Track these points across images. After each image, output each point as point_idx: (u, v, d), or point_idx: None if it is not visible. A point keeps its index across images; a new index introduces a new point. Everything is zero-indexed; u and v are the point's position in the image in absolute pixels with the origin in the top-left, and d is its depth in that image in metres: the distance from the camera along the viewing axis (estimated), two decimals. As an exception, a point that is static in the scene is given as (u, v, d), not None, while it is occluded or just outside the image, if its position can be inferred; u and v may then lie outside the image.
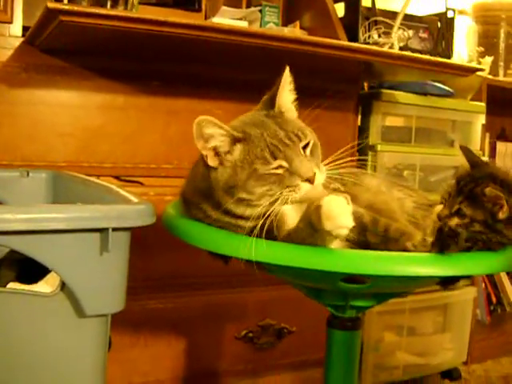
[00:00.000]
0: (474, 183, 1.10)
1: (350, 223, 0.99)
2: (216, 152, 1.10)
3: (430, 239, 1.10)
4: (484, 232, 1.06)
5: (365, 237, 1.11)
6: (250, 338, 2.11)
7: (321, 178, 1.10)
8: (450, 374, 2.62)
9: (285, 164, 1.07)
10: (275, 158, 1.07)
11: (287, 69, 1.15)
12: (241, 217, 1.11)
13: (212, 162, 1.11)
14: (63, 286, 1.08)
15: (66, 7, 1.39)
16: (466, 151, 1.20)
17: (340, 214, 0.98)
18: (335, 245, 1.06)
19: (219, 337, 2.08)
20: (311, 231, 1.02)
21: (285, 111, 1.16)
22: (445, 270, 1.05)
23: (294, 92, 1.18)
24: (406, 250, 1.10)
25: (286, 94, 1.17)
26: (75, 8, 1.39)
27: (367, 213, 1.13)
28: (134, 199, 1.17)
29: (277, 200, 1.06)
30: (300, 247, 1.03)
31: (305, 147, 1.11)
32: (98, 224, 1.05)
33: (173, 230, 1.20)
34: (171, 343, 2.00)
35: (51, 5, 1.37)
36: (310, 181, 1.07)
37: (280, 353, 2.18)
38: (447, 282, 1.22)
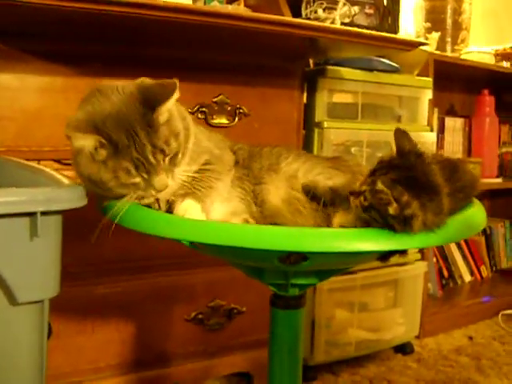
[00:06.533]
0: (380, 172, 1.06)
1: None
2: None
3: None
4: (379, 222, 1.04)
5: None
6: (199, 320, 2.09)
7: (171, 187, 1.16)
8: (403, 348, 2.65)
9: (145, 177, 1.12)
10: (138, 172, 1.11)
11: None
12: None
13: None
14: (-7, 273, 1.05)
15: (-5, -15, 1.34)
16: (399, 136, 1.11)
17: None
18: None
19: (168, 319, 2.05)
20: None
21: (160, 114, 1.13)
22: (383, 244, 1.03)
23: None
24: None
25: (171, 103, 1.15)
26: (4, -15, 1.34)
27: None
28: (66, 181, 1.14)
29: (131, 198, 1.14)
30: (233, 225, 1.02)
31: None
32: (26, 208, 1.02)
33: (105, 212, 1.17)
34: (120, 328, 1.97)
35: (-22, -18, 1.32)
36: (161, 191, 1.14)
37: (231, 333, 2.17)
38: (387, 255, 1.21)
